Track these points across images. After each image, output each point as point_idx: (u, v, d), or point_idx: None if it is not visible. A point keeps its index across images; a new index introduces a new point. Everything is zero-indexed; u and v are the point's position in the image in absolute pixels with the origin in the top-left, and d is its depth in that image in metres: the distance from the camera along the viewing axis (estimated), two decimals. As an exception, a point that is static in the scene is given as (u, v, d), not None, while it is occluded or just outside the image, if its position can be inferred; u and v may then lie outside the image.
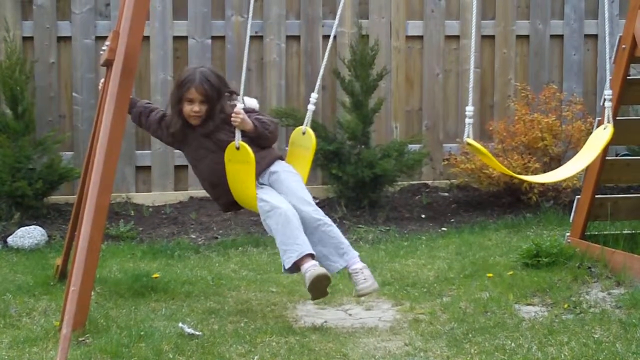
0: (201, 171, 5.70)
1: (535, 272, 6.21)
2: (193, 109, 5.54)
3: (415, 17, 8.85)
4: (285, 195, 5.48)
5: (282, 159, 5.72)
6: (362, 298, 5.76)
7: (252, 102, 5.87)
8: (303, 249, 5.28)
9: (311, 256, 5.28)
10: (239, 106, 5.47)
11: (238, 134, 5.46)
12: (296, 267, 5.29)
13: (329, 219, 5.48)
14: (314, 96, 5.89)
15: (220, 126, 5.57)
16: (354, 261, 5.43)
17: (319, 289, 5.27)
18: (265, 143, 5.61)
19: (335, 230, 5.46)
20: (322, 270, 5.25)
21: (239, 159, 5.45)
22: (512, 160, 8.01)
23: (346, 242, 5.48)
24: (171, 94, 5.70)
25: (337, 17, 5.96)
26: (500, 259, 6.68)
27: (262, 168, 5.57)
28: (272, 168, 5.61)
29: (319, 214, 5.46)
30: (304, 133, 5.81)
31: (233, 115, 5.44)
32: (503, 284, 6.01)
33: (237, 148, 5.44)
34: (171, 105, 5.66)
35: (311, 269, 5.23)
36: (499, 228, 7.69)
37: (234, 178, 5.50)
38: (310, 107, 5.89)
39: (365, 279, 5.35)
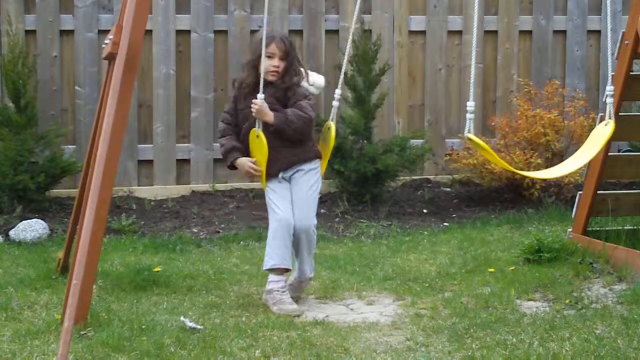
0: (242, 129, 5.71)
1: (537, 267, 6.21)
2: (272, 63, 5.59)
3: (418, 12, 8.84)
4: (294, 202, 5.61)
5: (318, 157, 5.73)
6: (364, 293, 5.81)
7: (317, 80, 5.83)
8: (282, 262, 5.56)
9: (286, 270, 5.60)
10: (260, 97, 5.51)
11: (258, 122, 5.53)
12: (272, 269, 5.61)
13: (315, 231, 5.67)
14: (337, 92, 5.84)
15: (282, 91, 5.63)
16: (303, 277, 5.74)
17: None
18: (290, 138, 5.61)
19: (312, 246, 5.68)
20: (292, 310, 5.50)
21: (256, 146, 5.58)
22: (515, 156, 8.01)
23: (307, 261, 5.69)
24: (250, 51, 5.80)
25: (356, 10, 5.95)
26: (502, 254, 6.68)
27: (290, 164, 5.64)
28: (300, 166, 5.66)
29: (314, 224, 5.65)
30: (329, 128, 5.80)
31: (252, 104, 5.51)
32: (505, 279, 6.01)
33: (257, 136, 5.55)
34: (248, 62, 5.73)
35: (283, 299, 5.54)
36: (500, 223, 7.68)
37: (252, 156, 5.65)
38: (335, 104, 5.84)
39: (287, 301, 5.57)
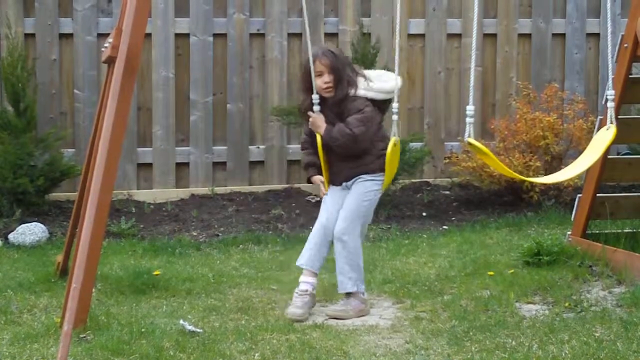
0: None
1: (536, 270, 6.21)
2: (324, 80, 5.61)
3: (417, 16, 8.85)
4: (342, 209, 5.64)
5: (380, 170, 5.65)
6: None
7: (384, 85, 5.69)
8: (307, 264, 5.61)
9: (313, 274, 5.61)
10: (315, 109, 5.60)
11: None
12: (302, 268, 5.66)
13: (347, 240, 5.57)
14: (395, 106, 5.55)
15: (337, 105, 5.63)
16: (340, 288, 5.64)
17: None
18: (340, 153, 5.62)
19: (348, 255, 5.57)
20: (295, 313, 5.47)
21: (320, 155, 5.70)
22: (514, 159, 8.01)
23: (353, 272, 5.59)
24: (302, 75, 5.80)
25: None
26: (501, 257, 6.68)
27: (350, 177, 5.67)
28: (361, 176, 5.66)
29: (344, 233, 5.57)
30: (394, 144, 5.54)
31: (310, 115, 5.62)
32: (504, 282, 6.01)
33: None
34: (300, 87, 5.81)
35: (293, 302, 5.53)
36: (500, 226, 7.68)
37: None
38: (394, 117, 5.52)
39: (342, 304, 5.59)
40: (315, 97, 5.63)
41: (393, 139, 5.51)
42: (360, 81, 5.65)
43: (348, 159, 5.65)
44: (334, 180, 5.73)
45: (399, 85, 5.65)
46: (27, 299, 5.78)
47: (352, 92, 5.62)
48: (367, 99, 5.63)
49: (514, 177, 5.60)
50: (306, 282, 5.59)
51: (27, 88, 7.87)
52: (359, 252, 5.64)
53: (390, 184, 5.90)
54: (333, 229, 5.60)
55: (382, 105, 5.72)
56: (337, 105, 5.62)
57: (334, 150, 5.63)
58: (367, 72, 5.77)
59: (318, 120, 5.62)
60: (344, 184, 5.70)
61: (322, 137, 5.63)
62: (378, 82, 5.68)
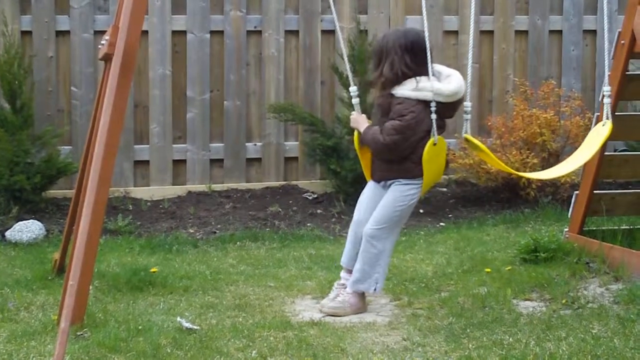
0: None
1: (533, 267, 6.21)
2: (374, 69, 5.48)
3: (414, 12, 8.84)
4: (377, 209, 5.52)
5: (418, 176, 5.35)
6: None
7: (442, 88, 5.25)
8: (343, 261, 5.64)
9: (348, 271, 5.59)
10: (356, 109, 5.54)
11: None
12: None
13: (375, 243, 5.45)
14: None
15: (381, 102, 5.42)
16: (350, 281, 5.57)
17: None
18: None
19: (369, 256, 5.48)
20: (328, 309, 5.49)
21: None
22: (511, 156, 8.01)
23: (370, 273, 5.50)
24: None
25: None
26: (499, 254, 6.68)
27: (385, 177, 5.50)
28: (398, 180, 5.41)
29: (371, 233, 5.46)
30: (435, 144, 5.25)
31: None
32: (501, 279, 6.01)
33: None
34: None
35: (328, 295, 5.59)
36: (497, 223, 7.69)
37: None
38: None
39: (339, 301, 5.54)
40: (353, 90, 5.49)
41: (432, 139, 5.21)
42: (413, 81, 5.26)
43: (387, 160, 5.44)
44: (373, 175, 5.56)
45: (463, 87, 5.29)
46: (24, 297, 5.77)
47: (394, 91, 5.29)
48: (418, 101, 5.25)
49: (511, 173, 5.61)
50: (343, 276, 5.62)
51: (24, 85, 7.86)
52: (385, 256, 5.50)
53: (432, 187, 5.72)
54: (363, 225, 5.50)
55: (442, 108, 5.26)
56: (384, 98, 5.35)
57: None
58: (439, 68, 5.37)
59: (359, 117, 5.52)
60: (382, 182, 5.52)
61: (361, 136, 5.49)
62: (444, 82, 5.29)
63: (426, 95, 5.24)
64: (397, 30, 5.62)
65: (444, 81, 5.32)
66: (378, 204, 5.49)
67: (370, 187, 5.61)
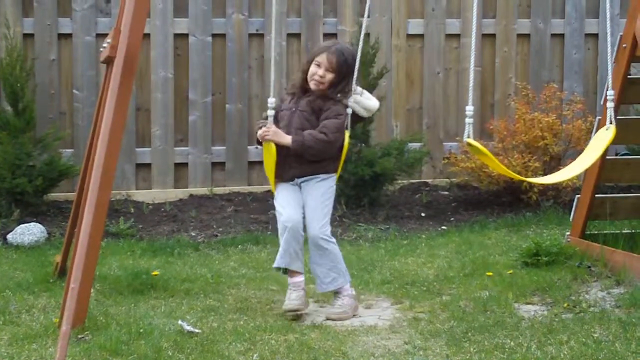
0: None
1: (535, 271, 6.20)
2: (318, 72, 5.56)
3: (416, 16, 8.85)
4: (305, 208, 5.56)
5: (332, 172, 5.64)
6: (362, 297, 5.80)
7: (369, 104, 5.69)
8: (292, 263, 5.55)
9: (298, 273, 5.56)
10: (270, 121, 5.50)
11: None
12: (285, 271, 5.61)
13: (333, 241, 5.58)
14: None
15: (320, 99, 5.58)
16: (344, 287, 5.59)
17: (290, 315, 5.49)
18: (309, 159, 5.56)
19: (332, 253, 5.56)
20: (292, 305, 5.48)
21: (266, 150, 5.57)
22: (513, 159, 8.01)
23: (341, 267, 5.58)
24: (308, 56, 5.81)
25: None
26: (500, 257, 6.68)
27: (305, 173, 5.58)
28: (316, 176, 5.59)
29: (323, 234, 5.54)
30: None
31: (264, 130, 5.50)
32: (503, 283, 6.01)
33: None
34: (302, 66, 5.82)
35: (288, 296, 5.53)
36: (498, 227, 7.68)
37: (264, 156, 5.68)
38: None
39: (339, 306, 5.54)
40: (270, 102, 5.54)
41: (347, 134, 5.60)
42: (356, 92, 5.63)
43: (306, 159, 5.56)
44: (283, 175, 5.62)
45: (376, 106, 5.70)
46: (25, 299, 5.77)
47: (338, 97, 5.59)
48: (346, 107, 5.60)
49: (513, 177, 5.59)
50: (291, 278, 5.57)
51: (26, 88, 7.87)
52: (337, 249, 5.62)
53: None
54: (297, 224, 5.51)
55: (355, 121, 5.71)
56: (321, 100, 5.57)
57: (290, 150, 5.54)
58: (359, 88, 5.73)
59: (279, 131, 5.52)
60: (295, 179, 5.61)
61: (290, 147, 5.49)
62: (365, 98, 5.67)
63: (358, 109, 5.64)
64: (347, 47, 5.86)
65: (365, 98, 5.68)
66: (299, 201, 5.57)
67: (284, 188, 5.63)
